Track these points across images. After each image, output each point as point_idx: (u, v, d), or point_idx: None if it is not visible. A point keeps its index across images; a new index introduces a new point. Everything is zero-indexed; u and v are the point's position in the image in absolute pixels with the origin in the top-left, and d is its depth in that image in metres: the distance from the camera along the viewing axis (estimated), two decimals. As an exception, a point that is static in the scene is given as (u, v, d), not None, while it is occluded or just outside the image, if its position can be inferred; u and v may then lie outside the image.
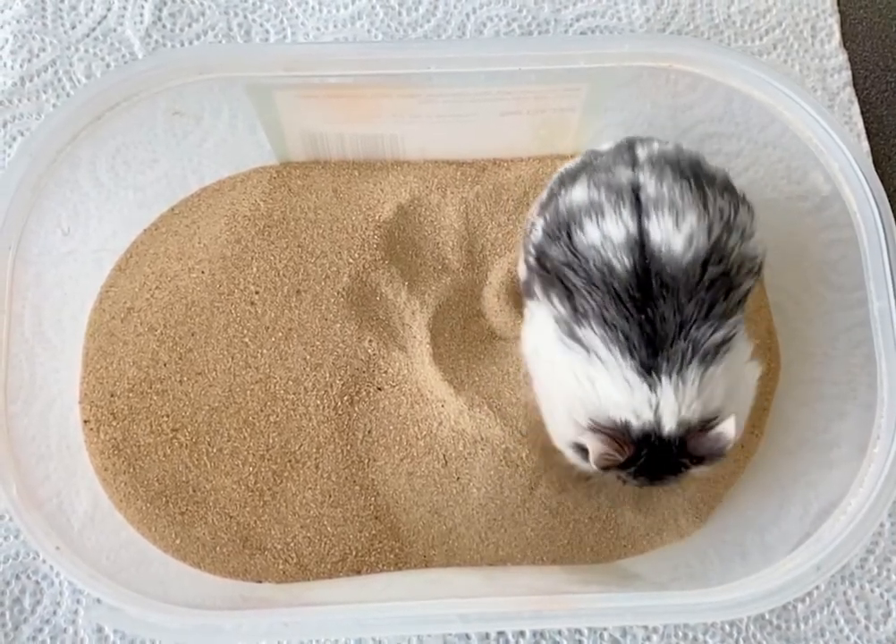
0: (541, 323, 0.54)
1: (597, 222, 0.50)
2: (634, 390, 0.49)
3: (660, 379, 0.49)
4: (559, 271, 0.52)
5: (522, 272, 0.58)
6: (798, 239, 0.60)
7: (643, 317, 0.49)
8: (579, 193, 0.52)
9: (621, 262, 0.49)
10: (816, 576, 0.47)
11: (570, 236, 0.51)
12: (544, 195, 0.57)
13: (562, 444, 0.55)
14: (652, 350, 0.49)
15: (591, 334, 0.50)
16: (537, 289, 0.55)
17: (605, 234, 0.49)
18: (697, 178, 0.51)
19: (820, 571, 0.47)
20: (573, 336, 0.51)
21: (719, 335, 0.50)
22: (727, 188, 0.52)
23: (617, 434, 0.50)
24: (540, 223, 0.54)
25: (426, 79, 0.57)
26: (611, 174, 0.51)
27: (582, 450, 0.51)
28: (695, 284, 0.49)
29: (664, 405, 0.49)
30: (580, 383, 0.51)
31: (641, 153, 0.52)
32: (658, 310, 0.49)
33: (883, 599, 0.59)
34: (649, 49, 0.56)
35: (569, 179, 0.54)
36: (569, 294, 0.52)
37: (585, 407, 0.51)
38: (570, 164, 0.57)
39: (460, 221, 0.65)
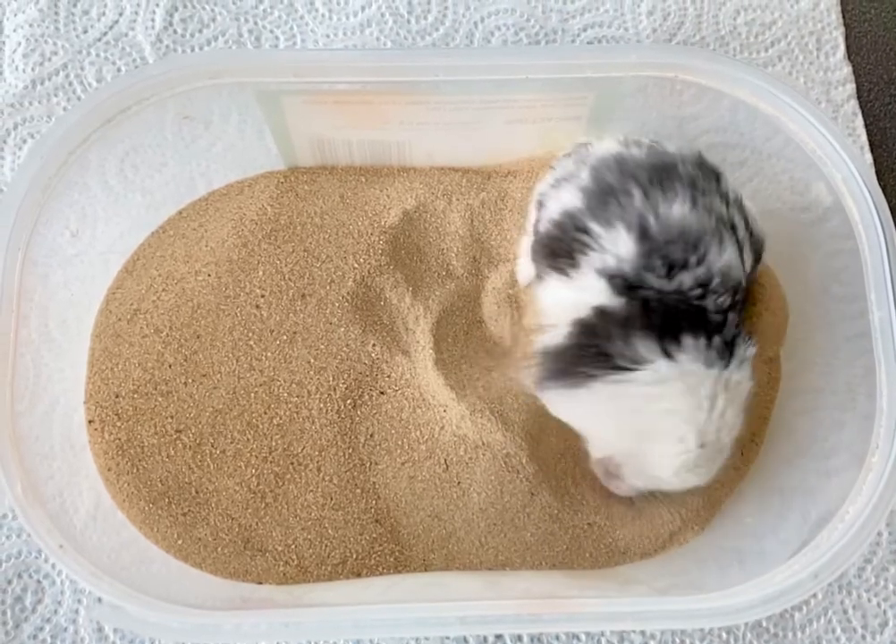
0: None
1: (721, 247, 0.51)
2: None
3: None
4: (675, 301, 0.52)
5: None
6: (800, 249, 0.60)
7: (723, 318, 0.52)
8: (680, 211, 0.51)
9: (742, 279, 0.53)
10: (814, 584, 0.47)
11: (701, 261, 0.51)
12: (585, 177, 0.54)
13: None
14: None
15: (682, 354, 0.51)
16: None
17: (730, 259, 0.51)
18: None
19: (818, 579, 0.47)
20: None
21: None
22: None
23: None
24: (623, 240, 0.51)
25: (434, 86, 0.57)
26: (712, 201, 0.52)
27: None
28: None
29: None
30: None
31: (730, 193, 0.54)
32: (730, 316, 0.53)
33: (880, 609, 0.59)
34: (655, 59, 0.56)
35: (650, 184, 0.52)
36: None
37: None
38: (619, 150, 0.55)
39: (465, 228, 0.65)
